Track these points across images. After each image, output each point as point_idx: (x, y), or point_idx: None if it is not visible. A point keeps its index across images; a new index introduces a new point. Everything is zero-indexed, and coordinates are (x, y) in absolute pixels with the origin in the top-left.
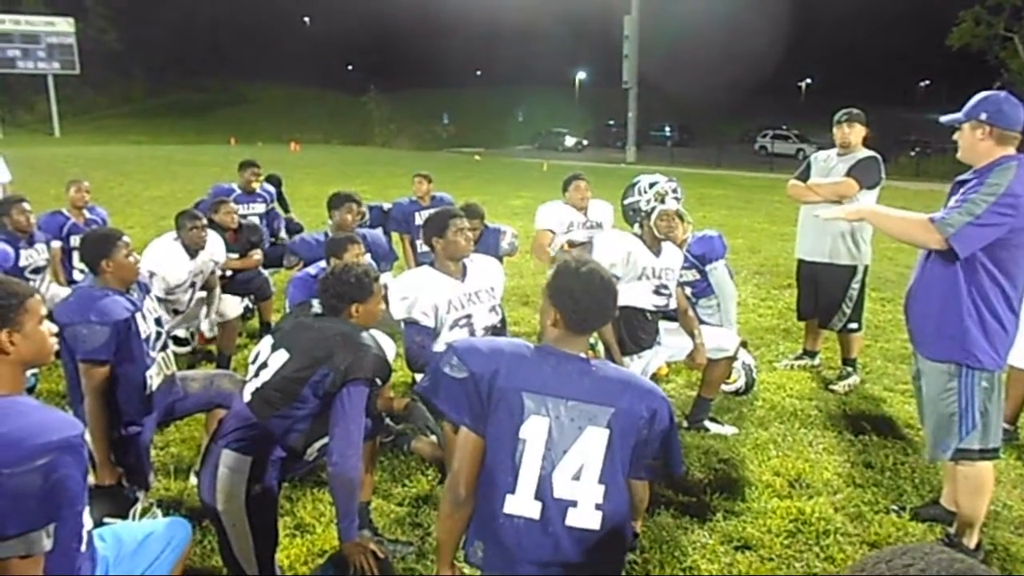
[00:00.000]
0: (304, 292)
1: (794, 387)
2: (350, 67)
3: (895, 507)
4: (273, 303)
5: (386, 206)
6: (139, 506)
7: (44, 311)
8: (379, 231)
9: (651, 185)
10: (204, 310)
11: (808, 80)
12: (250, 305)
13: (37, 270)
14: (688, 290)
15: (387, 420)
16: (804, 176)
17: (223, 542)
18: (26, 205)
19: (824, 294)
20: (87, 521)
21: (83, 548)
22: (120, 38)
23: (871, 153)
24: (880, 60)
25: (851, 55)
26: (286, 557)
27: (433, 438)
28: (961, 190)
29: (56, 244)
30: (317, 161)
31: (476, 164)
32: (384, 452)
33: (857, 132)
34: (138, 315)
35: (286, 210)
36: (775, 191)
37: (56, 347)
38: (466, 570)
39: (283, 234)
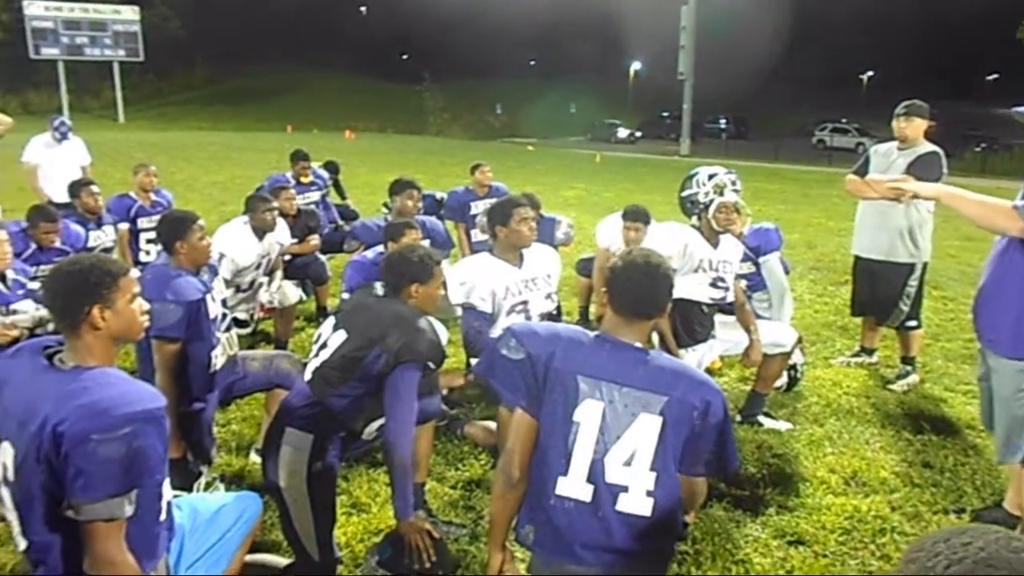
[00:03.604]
0: (361, 276)
1: (850, 384)
2: (405, 56)
3: (954, 508)
4: (329, 287)
5: (439, 195)
6: (203, 480)
7: (136, 289)
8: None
9: (710, 177)
10: (264, 288)
11: (870, 73)
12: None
13: (105, 251)
14: (743, 283)
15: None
16: (863, 170)
17: (284, 518)
18: (95, 188)
19: (881, 291)
20: (167, 492)
21: (162, 517)
22: (182, 26)
23: (933, 147)
24: (946, 53)
25: (916, 48)
26: (343, 534)
27: (489, 424)
28: None
29: (124, 226)
30: (372, 149)
31: (529, 154)
32: (438, 436)
33: (915, 126)
34: (208, 296)
35: (343, 197)
36: (833, 186)
37: (147, 324)
38: (518, 552)
39: (339, 220)
